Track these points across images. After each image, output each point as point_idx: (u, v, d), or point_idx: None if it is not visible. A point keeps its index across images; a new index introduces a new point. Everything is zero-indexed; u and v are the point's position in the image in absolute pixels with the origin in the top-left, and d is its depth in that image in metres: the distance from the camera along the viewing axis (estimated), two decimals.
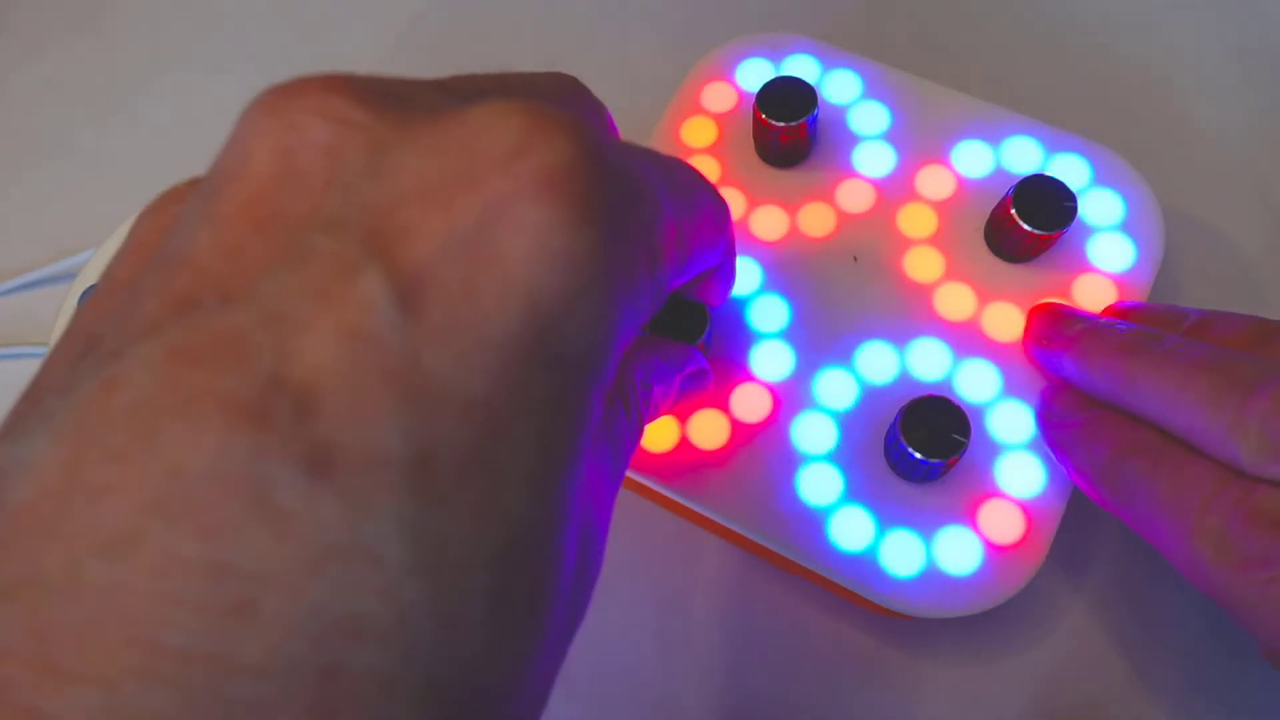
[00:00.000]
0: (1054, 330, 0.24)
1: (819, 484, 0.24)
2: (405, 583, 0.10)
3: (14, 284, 0.35)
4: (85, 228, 0.35)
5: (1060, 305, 0.25)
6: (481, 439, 0.11)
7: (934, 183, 0.27)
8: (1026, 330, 0.25)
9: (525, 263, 0.12)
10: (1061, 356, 0.24)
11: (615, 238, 0.13)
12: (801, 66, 0.29)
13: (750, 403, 0.25)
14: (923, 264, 0.27)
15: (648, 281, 0.14)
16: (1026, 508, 0.24)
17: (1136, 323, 0.23)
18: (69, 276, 0.34)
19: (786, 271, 0.27)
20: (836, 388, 0.25)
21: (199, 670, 0.10)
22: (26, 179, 0.37)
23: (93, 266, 0.29)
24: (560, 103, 0.14)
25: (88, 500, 0.10)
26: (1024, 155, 0.27)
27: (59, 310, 0.29)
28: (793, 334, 0.26)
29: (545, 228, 0.12)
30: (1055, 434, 0.24)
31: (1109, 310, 0.25)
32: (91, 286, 0.27)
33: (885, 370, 0.26)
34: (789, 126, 0.26)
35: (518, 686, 0.12)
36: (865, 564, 0.24)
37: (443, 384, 0.11)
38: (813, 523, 0.24)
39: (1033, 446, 0.24)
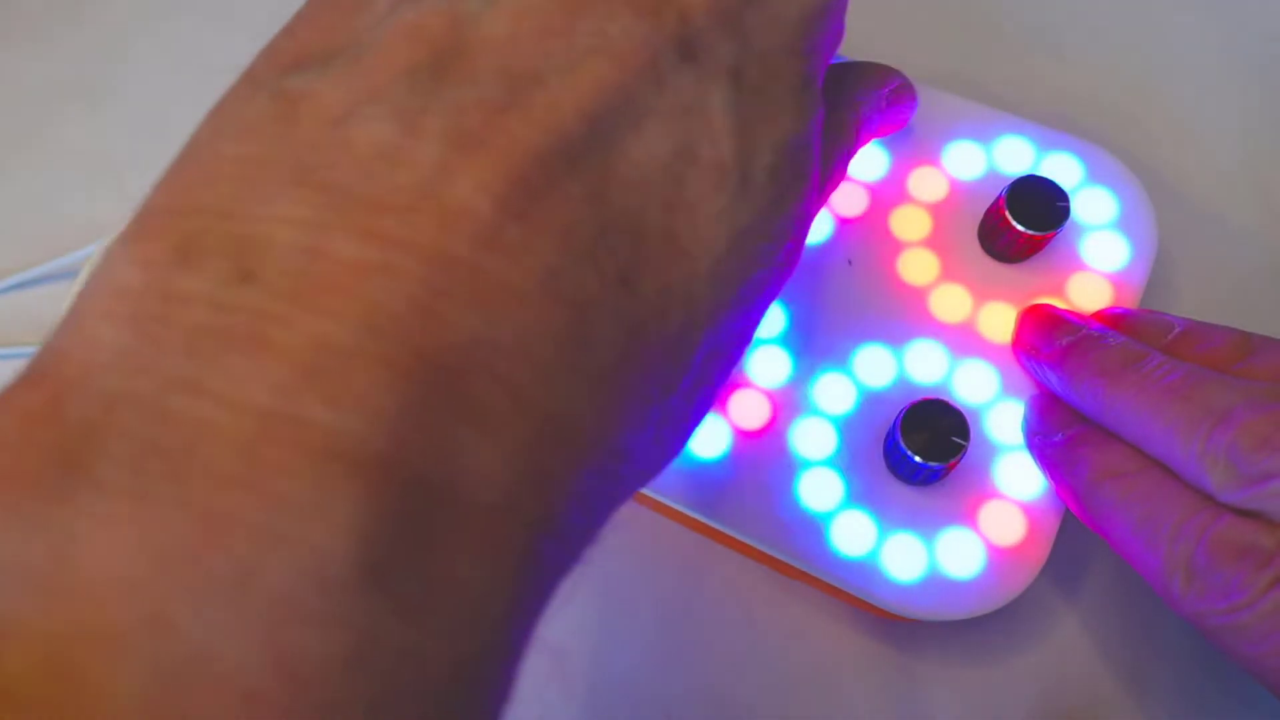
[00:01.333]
0: (1041, 340, 0.24)
1: (819, 489, 0.24)
2: (725, 140, 0.16)
3: (13, 281, 0.34)
4: (85, 225, 0.35)
5: (1049, 310, 0.25)
6: (770, 75, 0.16)
7: (926, 184, 0.27)
8: (1015, 336, 0.25)
9: (791, 13, 0.17)
10: (1046, 369, 0.24)
11: None
12: None
13: (748, 409, 0.25)
14: (917, 266, 0.27)
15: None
16: (1027, 508, 0.24)
17: (1123, 335, 0.23)
18: (69, 274, 0.34)
19: None
20: (834, 392, 0.25)
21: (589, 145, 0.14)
22: (26, 176, 0.37)
23: (95, 264, 0.29)
24: None
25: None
26: (1016, 155, 0.27)
27: (59, 310, 0.28)
28: (789, 339, 0.26)
29: None
30: (1039, 450, 0.24)
31: (1099, 316, 0.25)
32: None
33: (883, 373, 0.26)
34: None
35: (781, 242, 0.17)
36: (867, 568, 0.24)
37: (752, 33, 0.16)
38: (814, 528, 0.24)
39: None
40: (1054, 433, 0.23)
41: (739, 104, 0.16)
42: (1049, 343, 0.24)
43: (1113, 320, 0.25)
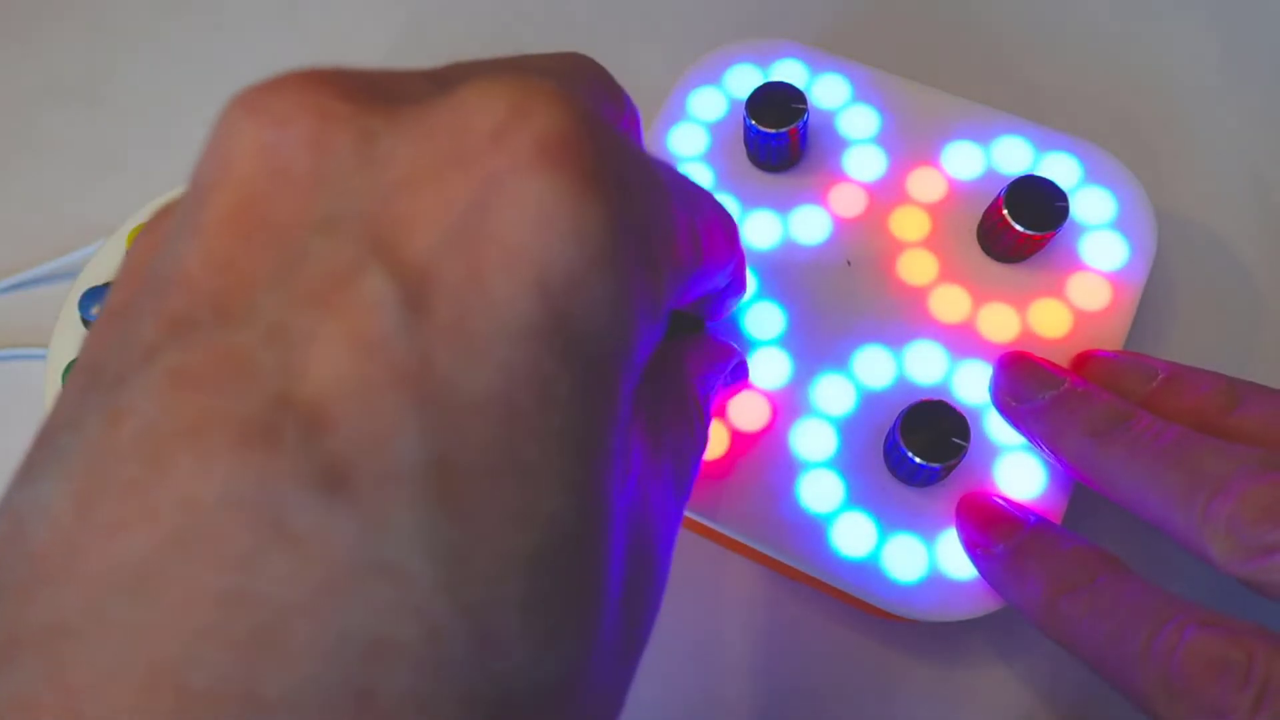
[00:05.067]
0: (1021, 391, 0.23)
1: (820, 490, 0.24)
2: (434, 599, 0.10)
3: (13, 281, 0.34)
4: (87, 225, 0.35)
5: (1028, 359, 0.24)
6: (503, 438, 0.11)
7: (925, 185, 0.27)
8: (994, 385, 0.24)
9: (529, 239, 0.11)
10: (1029, 422, 0.23)
11: (627, 210, 0.12)
12: (789, 71, 0.29)
13: (748, 411, 0.25)
14: (916, 267, 0.27)
15: (666, 274, 0.14)
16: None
17: (1105, 388, 0.23)
18: (70, 274, 0.34)
19: (781, 278, 0.27)
20: (834, 393, 0.25)
21: (229, 710, 0.09)
22: (26, 176, 0.37)
23: (95, 265, 0.28)
24: (568, 82, 0.14)
25: (104, 538, 0.10)
26: (1014, 155, 0.27)
27: (59, 310, 0.28)
28: (789, 341, 0.26)
29: (547, 199, 0.11)
30: (984, 566, 0.23)
31: (1078, 359, 0.25)
32: (93, 288, 0.27)
33: (882, 374, 0.26)
34: (780, 131, 0.26)
35: (566, 701, 0.12)
36: (868, 569, 0.24)
37: (458, 384, 0.11)
38: (814, 529, 0.24)
39: (1031, 447, 0.24)
40: (995, 545, 0.22)
41: (449, 521, 0.12)
42: (1030, 395, 0.23)
43: (1093, 365, 0.24)
